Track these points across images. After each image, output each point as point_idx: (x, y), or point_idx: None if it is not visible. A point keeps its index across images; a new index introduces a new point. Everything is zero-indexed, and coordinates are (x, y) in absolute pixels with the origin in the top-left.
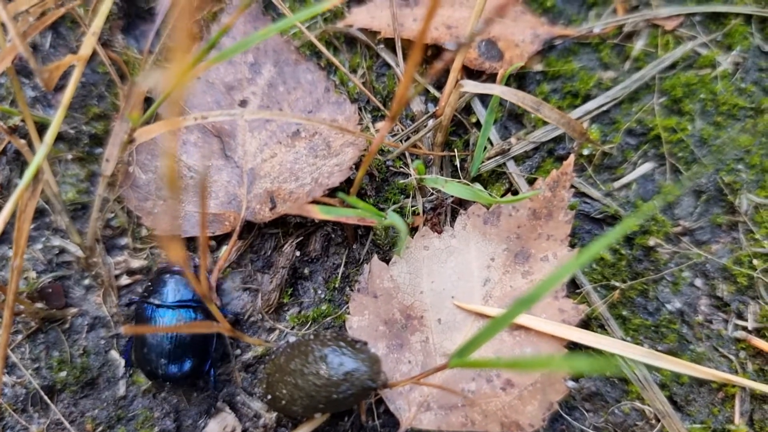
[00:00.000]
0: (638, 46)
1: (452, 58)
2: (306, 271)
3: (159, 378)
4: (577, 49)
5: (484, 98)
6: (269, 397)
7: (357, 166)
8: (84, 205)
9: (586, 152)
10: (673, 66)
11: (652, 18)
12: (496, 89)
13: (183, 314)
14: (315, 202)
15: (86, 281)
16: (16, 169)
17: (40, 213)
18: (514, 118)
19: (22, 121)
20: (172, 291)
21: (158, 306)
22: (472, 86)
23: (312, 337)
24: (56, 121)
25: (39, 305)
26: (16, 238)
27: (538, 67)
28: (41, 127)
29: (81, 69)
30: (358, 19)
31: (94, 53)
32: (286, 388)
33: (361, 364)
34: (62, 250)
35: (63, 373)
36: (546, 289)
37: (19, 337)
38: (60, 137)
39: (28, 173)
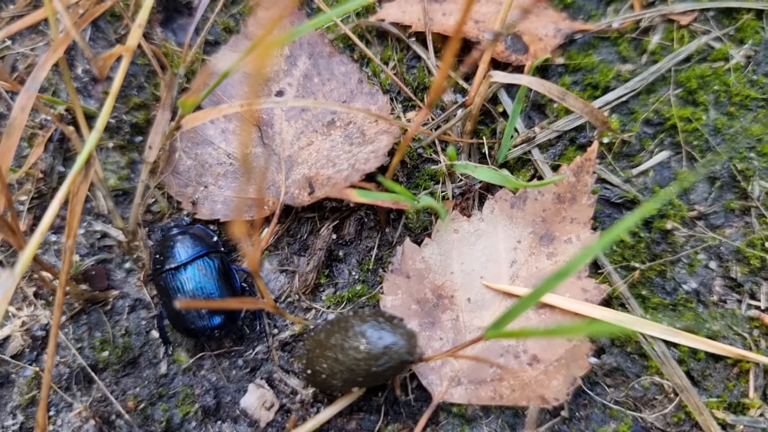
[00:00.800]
0: (655, 40)
1: (483, 51)
2: (340, 253)
3: (201, 333)
4: (597, 42)
5: (510, 89)
6: (309, 371)
7: (391, 152)
8: (125, 191)
9: (606, 140)
10: (688, 59)
11: (667, 13)
12: (524, 80)
13: (202, 264)
14: (352, 186)
15: (127, 264)
16: (59, 157)
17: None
18: (537, 108)
19: (66, 110)
20: (182, 249)
21: (176, 269)
22: (501, 77)
23: (351, 314)
24: (106, 108)
25: (83, 287)
26: (68, 220)
27: (560, 60)
28: (87, 116)
29: (128, 59)
30: (389, 13)
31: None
32: (326, 363)
33: (399, 338)
34: (104, 235)
35: (105, 353)
36: (573, 269)
37: (63, 318)
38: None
39: (81, 158)
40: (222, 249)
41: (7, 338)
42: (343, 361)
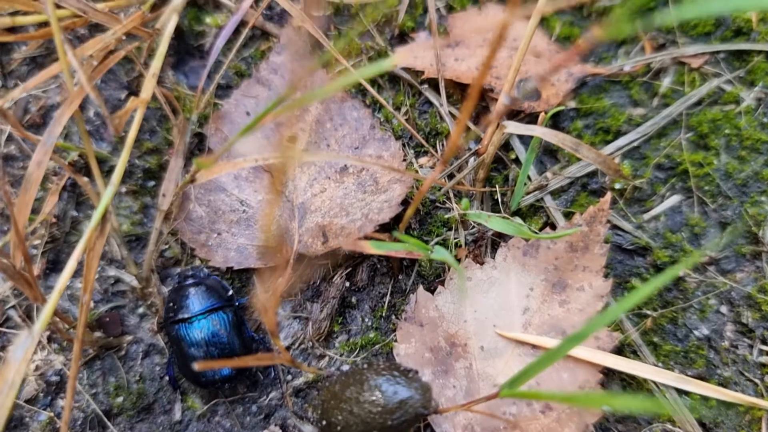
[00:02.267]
0: (666, 83)
1: (497, 103)
2: (353, 299)
3: (211, 385)
4: (608, 86)
5: (523, 136)
6: (324, 422)
7: (404, 202)
8: (137, 236)
9: (617, 186)
10: (699, 102)
11: (678, 56)
12: (538, 131)
13: (216, 319)
14: (365, 237)
15: (140, 310)
16: (72, 202)
17: None
18: (549, 154)
19: (80, 156)
20: (196, 301)
21: (188, 320)
22: (515, 127)
23: (366, 366)
24: (121, 161)
25: (97, 334)
26: (85, 275)
27: (572, 104)
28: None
29: (143, 111)
30: (401, 58)
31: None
32: (341, 415)
33: (415, 392)
34: (117, 280)
35: (120, 399)
36: (591, 331)
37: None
38: (113, 171)
39: (97, 214)
40: (236, 303)
41: (21, 383)
42: (358, 414)
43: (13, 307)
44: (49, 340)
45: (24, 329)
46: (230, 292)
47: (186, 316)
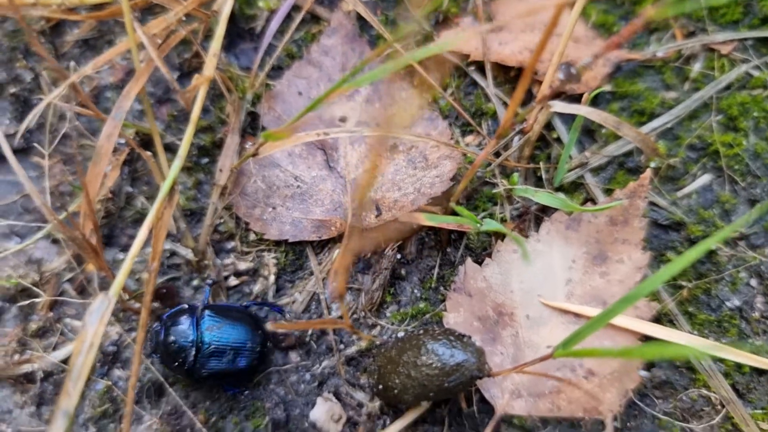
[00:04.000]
0: (696, 68)
1: (543, 82)
2: (402, 272)
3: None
4: (642, 71)
5: (564, 116)
6: (380, 387)
7: (453, 177)
8: (192, 211)
9: (653, 165)
10: (728, 87)
11: (708, 43)
12: (583, 110)
13: (209, 323)
14: (418, 210)
15: (195, 282)
16: (128, 177)
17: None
18: (586, 134)
19: (136, 133)
20: (185, 333)
21: (197, 350)
22: (561, 107)
23: (422, 332)
24: (188, 135)
25: (155, 305)
26: (153, 245)
27: (608, 87)
28: (147, 138)
29: (205, 89)
30: (448, 42)
31: (198, 70)
32: (398, 379)
33: (470, 355)
34: (173, 253)
35: None
36: (641, 295)
37: (133, 334)
38: (168, 148)
39: (166, 186)
40: (205, 303)
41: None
42: (415, 377)
43: (69, 280)
44: None
45: (98, 294)
46: (186, 305)
47: (193, 353)
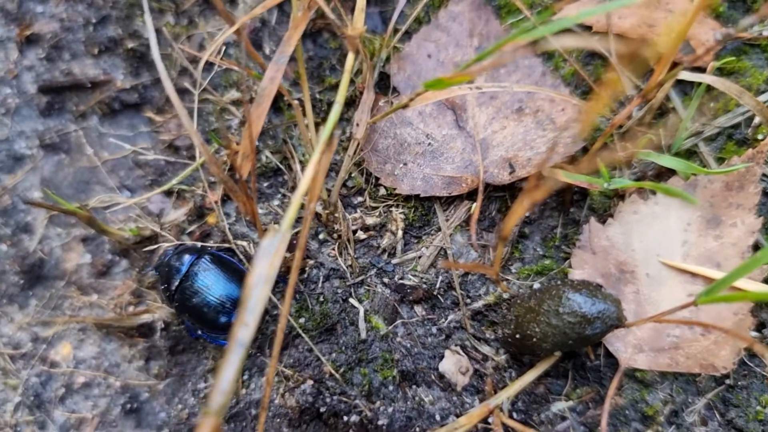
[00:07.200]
0: None
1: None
2: (525, 230)
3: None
4: (747, 49)
5: (678, 87)
6: (518, 336)
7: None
8: None
9: (759, 137)
10: None
11: None
12: (708, 78)
13: (202, 264)
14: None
15: (321, 236)
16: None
17: (273, 172)
18: (697, 107)
19: None
20: (178, 265)
21: (184, 279)
22: (688, 75)
23: (560, 282)
24: (343, 83)
25: (286, 254)
26: (311, 187)
27: (715, 63)
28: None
29: (356, 43)
30: (570, 13)
31: (322, 30)
32: (538, 327)
33: (610, 304)
34: (302, 206)
35: (302, 320)
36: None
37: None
38: (291, 105)
39: (327, 130)
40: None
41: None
42: (556, 325)
43: (189, 233)
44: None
45: (272, 228)
46: (199, 245)
47: (183, 273)
